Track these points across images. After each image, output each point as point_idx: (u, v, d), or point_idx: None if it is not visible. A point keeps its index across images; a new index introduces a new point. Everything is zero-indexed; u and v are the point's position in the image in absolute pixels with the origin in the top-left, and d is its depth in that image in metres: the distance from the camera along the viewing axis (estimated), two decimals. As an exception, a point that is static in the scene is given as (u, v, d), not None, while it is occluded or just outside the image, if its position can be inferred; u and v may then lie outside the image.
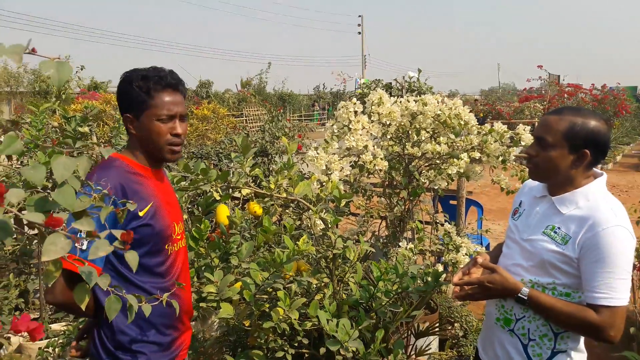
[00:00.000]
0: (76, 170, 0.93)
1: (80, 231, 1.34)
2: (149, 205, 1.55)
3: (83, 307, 1.03)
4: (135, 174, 1.58)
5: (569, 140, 1.56)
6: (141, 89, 1.58)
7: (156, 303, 1.29)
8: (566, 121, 1.57)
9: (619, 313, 1.48)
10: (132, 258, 0.95)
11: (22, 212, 0.76)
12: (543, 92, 18.97)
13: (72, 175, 0.96)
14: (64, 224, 0.72)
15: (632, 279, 3.66)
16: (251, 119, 18.21)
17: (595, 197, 1.57)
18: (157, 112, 1.58)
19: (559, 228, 1.58)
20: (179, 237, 1.70)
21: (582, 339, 1.65)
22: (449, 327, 3.89)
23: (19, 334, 1.16)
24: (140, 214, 1.53)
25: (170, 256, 1.65)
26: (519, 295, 1.57)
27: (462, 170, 2.84)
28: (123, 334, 1.57)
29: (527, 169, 1.82)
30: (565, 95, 17.47)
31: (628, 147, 17.11)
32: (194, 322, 3.48)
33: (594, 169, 1.64)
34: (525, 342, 1.65)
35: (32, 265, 4.15)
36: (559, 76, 21.03)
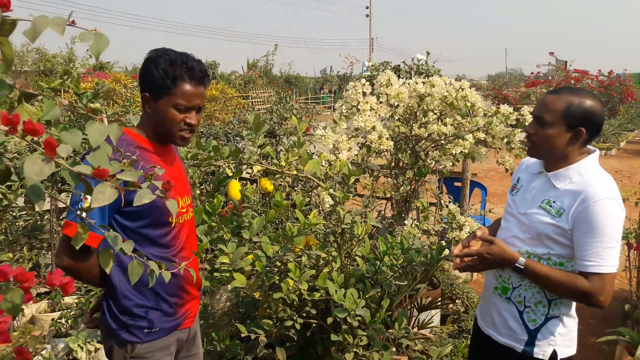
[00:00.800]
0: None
1: (81, 201, 1.42)
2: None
3: (108, 270, 1.09)
4: (137, 147, 1.61)
5: (566, 118, 1.64)
6: (167, 75, 1.58)
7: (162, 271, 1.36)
8: (564, 101, 1.65)
9: (608, 280, 1.58)
10: (127, 247, 1.02)
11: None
12: (550, 77, 18.87)
13: (104, 141, 1.03)
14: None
15: (629, 259, 3.74)
16: (258, 101, 18.20)
17: (587, 172, 1.66)
18: (176, 101, 1.60)
19: (554, 202, 1.67)
20: (184, 210, 1.74)
21: (573, 305, 1.75)
22: (451, 304, 3.99)
23: (31, 302, 1.20)
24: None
25: (175, 228, 1.69)
26: (516, 265, 1.67)
27: (466, 151, 2.89)
28: (127, 299, 1.63)
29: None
30: (572, 81, 17.39)
31: (632, 134, 17.06)
32: (203, 296, 3.58)
33: (588, 146, 1.73)
34: (521, 309, 1.75)
35: (42, 240, 4.25)
36: (566, 62, 20.91)
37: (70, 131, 0.96)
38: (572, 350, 1.77)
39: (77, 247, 1.03)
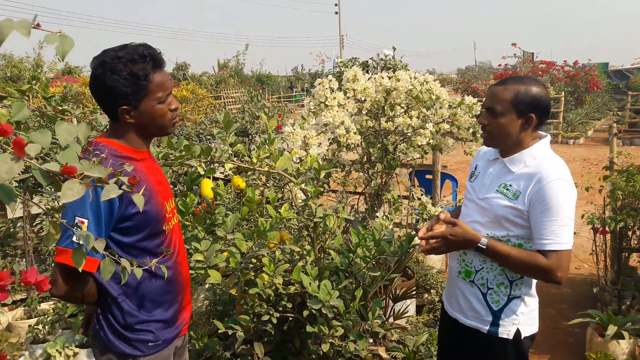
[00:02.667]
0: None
1: (76, 225, 1.41)
2: (142, 190, 1.53)
3: (80, 268, 1.09)
4: (125, 158, 1.54)
5: (515, 106, 1.73)
6: (136, 76, 1.49)
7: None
8: (511, 90, 1.74)
9: (564, 256, 1.68)
10: (99, 246, 1.04)
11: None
12: (517, 69, 19.26)
13: (73, 140, 1.06)
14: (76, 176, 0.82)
15: (595, 243, 3.88)
16: (230, 101, 18.12)
17: (540, 156, 1.76)
18: (157, 95, 1.54)
19: (510, 185, 1.76)
20: (170, 215, 1.69)
21: (533, 285, 1.84)
22: (426, 294, 4.08)
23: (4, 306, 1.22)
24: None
25: (168, 235, 1.66)
26: (479, 245, 1.74)
27: (432, 142, 2.98)
28: (131, 316, 1.59)
29: None
30: (539, 72, 17.78)
31: (599, 122, 17.51)
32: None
33: (539, 132, 1.83)
34: (485, 291, 1.83)
35: (16, 248, 4.20)
36: (532, 53, 21.35)
37: (39, 131, 0.98)
38: (534, 329, 1.86)
39: (82, 264, 1.05)
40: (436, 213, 3.33)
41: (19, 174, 0.95)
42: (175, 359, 1.80)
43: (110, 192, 0.83)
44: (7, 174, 0.74)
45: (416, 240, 2.44)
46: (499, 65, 21.72)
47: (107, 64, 1.49)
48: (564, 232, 1.67)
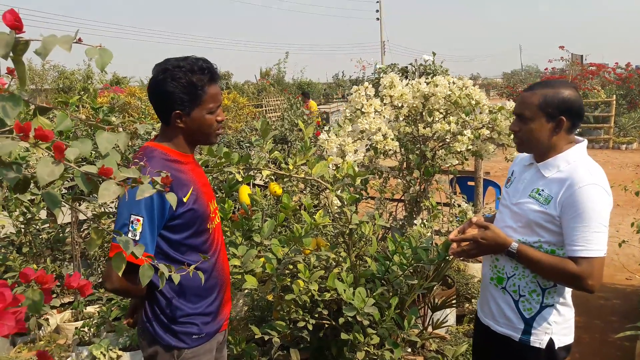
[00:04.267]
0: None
1: (132, 223, 1.51)
2: (190, 191, 1.65)
3: (120, 272, 1.16)
4: (174, 161, 1.65)
5: (543, 110, 1.72)
6: (194, 85, 1.61)
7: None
8: (539, 95, 1.74)
9: (596, 263, 1.63)
10: (138, 251, 1.08)
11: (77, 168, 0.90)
12: (566, 72, 18.67)
13: (113, 149, 1.11)
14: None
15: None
16: (271, 109, 18.37)
17: (574, 160, 1.73)
18: (209, 106, 1.66)
19: (542, 190, 1.74)
20: (213, 215, 1.80)
21: (567, 294, 1.80)
22: (467, 304, 4.00)
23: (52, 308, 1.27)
24: (184, 199, 1.63)
25: (212, 233, 1.76)
26: (509, 249, 1.73)
27: (470, 148, 2.93)
28: (178, 309, 1.68)
29: None
30: (588, 75, 17.18)
31: (654, 127, 16.72)
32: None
33: (576, 136, 1.80)
34: (517, 298, 1.81)
35: (65, 252, 4.38)
36: (581, 56, 20.67)
37: (80, 140, 1.04)
38: (569, 339, 1.81)
39: (121, 269, 1.12)
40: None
41: (68, 181, 1.01)
42: (216, 354, 1.87)
43: (144, 191, 0.87)
44: (48, 175, 0.79)
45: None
46: (545, 69, 21.11)
47: (169, 71, 1.61)
48: (597, 238, 1.63)
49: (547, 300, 1.77)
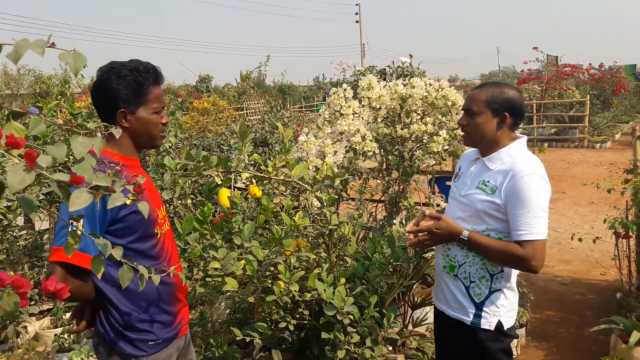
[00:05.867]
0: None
1: (71, 224, 1.49)
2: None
3: (99, 275, 1.15)
4: (118, 164, 1.63)
5: (490, 105, 1.88)
6: (139, 83, 1.64)
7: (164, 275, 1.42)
8: (486, 92, 1.90)
9: (538, 246, 1.78)
10: (117, 253, 1.09)
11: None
12: (542, 73, 19.00)
13: (88, 153, 1.11)
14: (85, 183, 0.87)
15: (618, 248, 3.81)
16: (251, 112, 18.33)
17: (516, 154, 1.89)
18: (154, 106, 1.69)
19: (488, 181, 1.89)
20: (162, 221, 1.78)
21: (513, 279, 1.95)
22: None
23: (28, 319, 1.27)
24: (127, 202, 1.58)
25: (160, 239, 1.75)
26: (461, 237, 1.87)
27: (447, 148, 2.97)
28: (128, 316, 1.66)
29: None
30: (563, 76, 17.51)
31: (627, 125, 17.12)
32: (202, 306, 3.65)
33: (517, 133, 1.96)
34: (467, 284, 1.95)
35: (43, 259, 4.32)
36: (556, 57, 21.06)
37: (56, 144, 1.04)
38: (513, 321, 1.97)
39: (101, 271, 1.10)
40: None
41: (46, 187, 1.00)
42: (180, 359, 1.88)
43: (116, 200, 0.87)
44: (19, 184, 0.79)
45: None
46: (521, 71, 21.46)
47: (114, 70, 1.64)
48: (538, 222, 1.77)
49: (495, 285, 1.91)
